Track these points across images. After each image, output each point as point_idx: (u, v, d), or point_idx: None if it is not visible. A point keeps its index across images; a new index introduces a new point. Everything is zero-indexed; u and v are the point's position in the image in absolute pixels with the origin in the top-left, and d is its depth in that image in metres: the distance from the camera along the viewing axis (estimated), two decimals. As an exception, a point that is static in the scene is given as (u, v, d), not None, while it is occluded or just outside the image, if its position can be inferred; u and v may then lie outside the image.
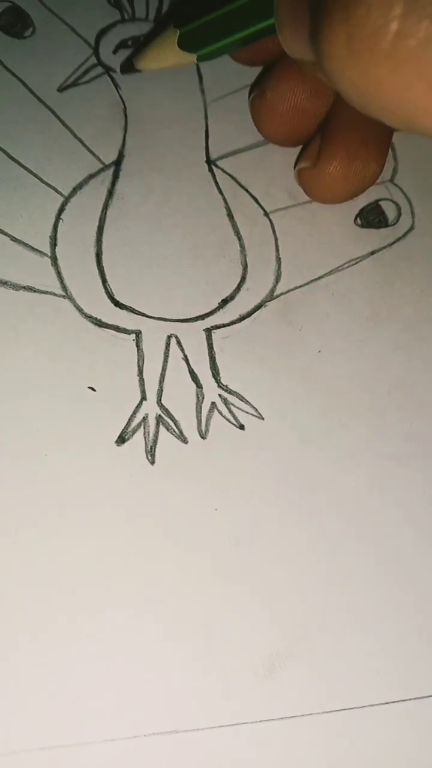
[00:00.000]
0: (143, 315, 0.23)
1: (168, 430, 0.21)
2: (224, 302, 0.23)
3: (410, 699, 0.20)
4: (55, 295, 0.22)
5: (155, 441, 0.21)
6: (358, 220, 0.25)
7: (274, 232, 0.24)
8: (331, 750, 0.20)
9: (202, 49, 0.22)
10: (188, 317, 0.23)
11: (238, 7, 0.20)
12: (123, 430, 0.21)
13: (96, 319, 0.22)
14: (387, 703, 0.20)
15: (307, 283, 0.24)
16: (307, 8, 0.16)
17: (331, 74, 0.14)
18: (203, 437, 0.22)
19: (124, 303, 0.23)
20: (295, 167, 0.24)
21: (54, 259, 0.23)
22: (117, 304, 0.23)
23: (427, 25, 0.12)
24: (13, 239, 0.22)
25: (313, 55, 0.16)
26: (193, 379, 0.22)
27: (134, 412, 0.21)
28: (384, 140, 0.23)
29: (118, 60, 0.25)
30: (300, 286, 0.24)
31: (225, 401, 0.22)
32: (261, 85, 0.24)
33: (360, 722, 0.20)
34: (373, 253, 0.25)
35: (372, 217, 0.25)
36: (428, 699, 0.20)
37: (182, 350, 0.22)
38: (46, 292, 0.22)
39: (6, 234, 0.23)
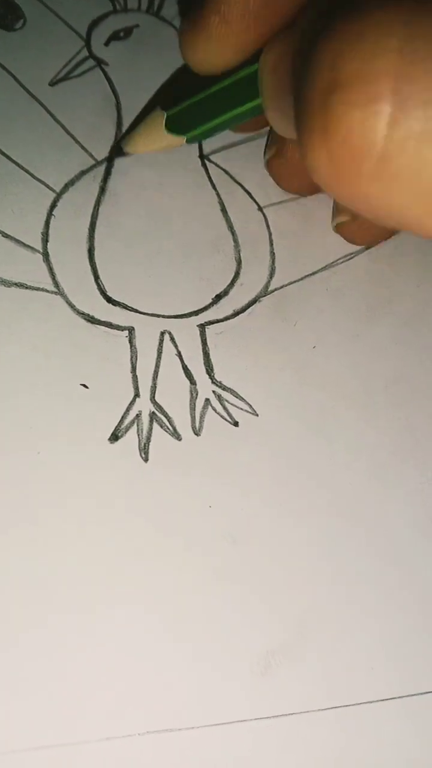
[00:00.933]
0: (136, 311, 0.22)
1: (162, 427, 0.21)
2: (218, 298, 0.23)
3: (407, 696, 0.20)
4: (47, 291, 0.22)
5: (149, 438, 0.21)
6: (353, 215, 0.25)
7: (268, 227, 0.24)
8: (328, 747, 0.20)
9: (191, 131, 0.21)
10: (182, 313, 0.23)
11: (223, 88, 0.19)
12: (116, 427, 0.21)
13: (88, 315, 0.22)
14: (383, 700, 0.20)
15: (302, 278, 0.24)
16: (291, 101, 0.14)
17: (318, 183, 0.14)
18: (197, 434, 0.21)
19: (116, 299, 0.22)
20: (332, 222, 0.24)
21: (46, 255, 0.22)
22: (110, 300, 0.22)
23: (416, 143, 0.11)
24: (5, 235, 0.22)
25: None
26: (186, 376, 0.22)
27: (127, 410, 0.21)
28: None
29: (111, 52, 0.25)
30: (294, 282, 0.24)
31: (219, 397, 0.22)
32: (275, 143, 0.23)
33: (356, 719, 0.20)
34: (368, 247, 0.24)
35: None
36: (425, 696, 0.20)
37: (176, 346, 0.22)
38: (37, 289, 0.22)
39: (-3, 230, 0.22)
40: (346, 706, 0.20)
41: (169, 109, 0.21)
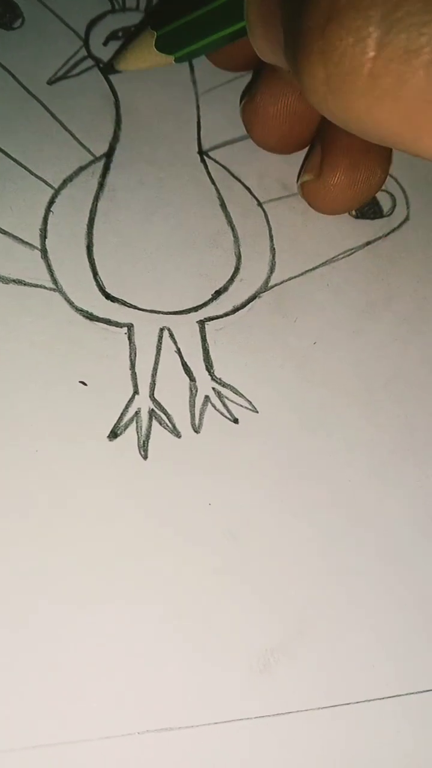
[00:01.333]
0: (135, 308, 0.22)
1: (161, 424, 0.21)
2: (218, 293, 0.23)
3: (406, 694, 0.20)
4: (46, 288, 0.22)
5: (148, 435, 0.21)
6: (353, 211, 0.25)
7: (267, 222, 0.24)
8: (327, 745, 0.19)
9: (180, 50, 0.21)
10: (181, 309, 0.23)
11: (213, 9, 0.20)
12: (115, 424, 0.21)
13: (87, 312, 0.22)
14: (382, 698, 0.20)
15: (302, 274, 0.24)
16: (281, 23, 0.16)
17: (311, 101, 0.15)
18: (197, 431, 0.21)
19: (115, 296, 0.22)
20: (297, 181, 0.24)
21: (44, 252, 0.22)
22: (108, 296, 0.22)
23: (397, 65, 0.13)
24: (3, 232, 0.22)
25: (288, 67, 0.16)
26: (186, 372, 0.22)
27: (126, 407, 0.21)
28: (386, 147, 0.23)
29: (109, 52, 0.25)
30: (295, 277, 0.24)
31: (219, 394, 0.22)
32: (250, 90, 0.23)
33: (355, 718, 0.20)
34: (368, 243, 0.24)
35: (367, 208, 0.25)
36: (424, 694, 0.20)
37: (175, 343, 0.22)
38: (36, 285, 0.22)
39: (-5, 227, 0.22)
40: (346, 704, 0.20)
41: (159, 29, 0.21)
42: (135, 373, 0.22)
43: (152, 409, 0.21)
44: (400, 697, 0.20)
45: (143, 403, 0.21)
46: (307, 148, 0.24)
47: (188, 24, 0.21)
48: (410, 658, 0.20)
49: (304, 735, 0.19)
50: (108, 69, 0.24)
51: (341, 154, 0.22)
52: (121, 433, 0.21)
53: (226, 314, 0.23)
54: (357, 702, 0.20)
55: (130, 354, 0.22)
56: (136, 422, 0.21)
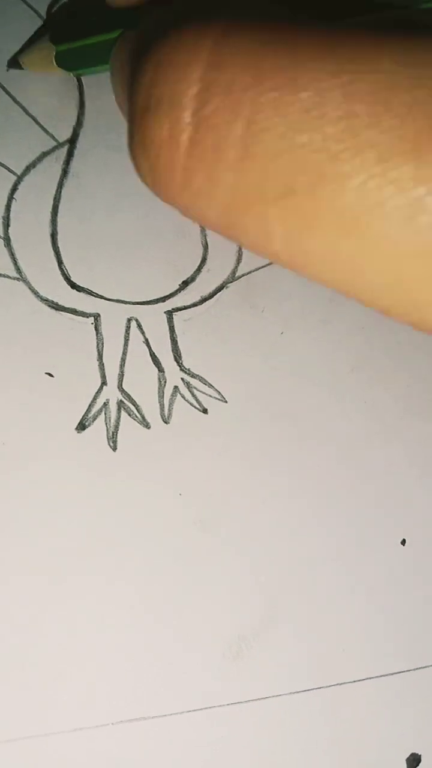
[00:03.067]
0: (102, 297, 0.22)
1: (130, 415, 0.21)
2: (185, 284, 0.23)
3: (376, 677, 0.20)
4: (9, 277, 0.21)
5: (117, 427, 0.21)
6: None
7: (234, 211, 0.24)
8: (301, 729, 0.20)
9: (77, 70, 0.21)
10: (148, 299, 0.22)
11: (110, 40, 0.19)
12: (83, 416, 0.21)
13: (52, 302, 0.22)
14: (354, 681, 0.20)
15: (269, 264, 0.24)
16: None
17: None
18: (166, 422, 0.21)
19: (81, 285, 0.22)
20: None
21: (7, 240, 0.22)
22: (74, 286, 0.22)
23: (207, 164, 0.12)
24: (-36, 220, 0.22)
25: None
26: (154, 363, 0.22)
27: (94, 398, 0.21)
28: None
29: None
30: (262, 267, 0.24)
31: (188, 385, 0.22)
32: None
33: (327, 701, 0.20)
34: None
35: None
36: (395, 676, 0.20)
37: (143, 333, 0.22)
38: (-1, 275, 0.21)
39: None
40: (318, 688, 0.20)
41: (58, 42, 0.21)
42: (102, 364, 0.21)
43: (121, 400, 0.21)
44: (372, 680, 0.20)
45: (111, 394, 0.21)
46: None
47: (86, 48, 0.20)
48: (381, 642, 0.21)
49: (278, 720, 0.20)
50: (13, 64, 0.23)
51: None
52: (89, 425, 0.21)
53: (194, 304, 0.23)
54: (328, 686, 0.20)
55: (98, 345, 0.21)
56: (105, 413, 0.21)
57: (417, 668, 0.21)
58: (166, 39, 0.13)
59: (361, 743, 0.20)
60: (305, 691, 0.20)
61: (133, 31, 0.16)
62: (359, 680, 0.20)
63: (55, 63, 0.21)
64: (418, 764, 0.20)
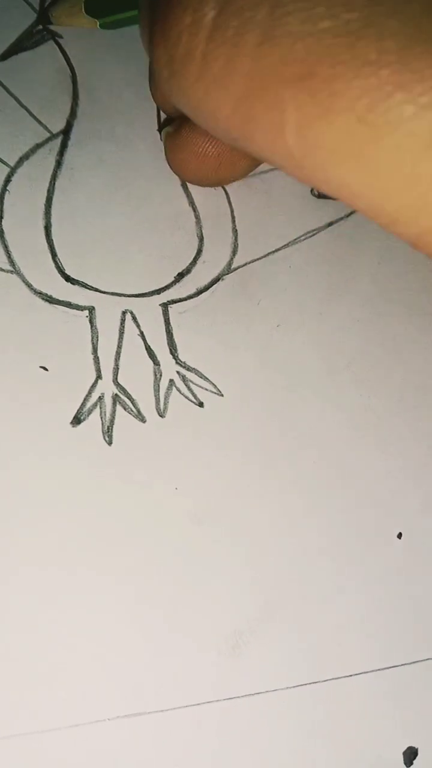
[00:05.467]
0: (96, 290, 0.22)
1: (125, 409, 0.21)
2: (180, 276, 0.23)
3: (372, 671, 0.20)
4: (3, 270, 0.21)
5: (112, 421, 0.21)
6: (314, 191, 0.25)
7: (230, 203, 0.24)
8: (297, 724, 0.20)
9: (103, 17, 0.22)
10: (143, 292, 0.22)
11: None
12: (78, 410, 0.21)
13: (47, 295, 0.21)
14: (350, 675, 0.20)
15: (265, 256, 0.23)
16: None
17: (162, 90, 0.15)
18: (162, 416, 0.21)
19: (75, 278, 0.22)
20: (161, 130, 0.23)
21: (1, 233, 0.22)
22: (68, 279, 0.22)
23: (226, 48, 0.12)
24: (-43, 212, 0.21)
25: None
26: (150, 356, 0.22)
27: (89, 392, 0.21)
28: None
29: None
30: (257, 259, 0.23)
31: (183, 378, 0.22)
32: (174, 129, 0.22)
33: (322, 696, 0.20)
34: (330, 224, 0.24)
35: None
36: (392, 670, 0.20)
37: (138, 326, 0.22)
38: (-7, 268, 0.21)
39: None
40: (315, 682, 0.20)
41: None
42: (97, 357, 0.21)
43: (116, 394, 0.21)
44: (368, 674, 0.20)
45: (107, 388, 0.21)
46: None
47: None
48: (377, 636, 0.21)
49: (275, 714, 0.19)
50: (44, 18, 0.23)
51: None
52: (84, 419, 0.21)
53: (190, 297, 0.23)
54: (325, 680, 0.20)
55: (92, 338, 0.21)
56: (100, 407, 0.21)
57: (413, 662, 0.21)
58: None
59: (358, 737, 0.20)
60: (302, 685, 0.20)
61: None
62: (356, 674, 0.20)
63: (84, 10, 0.22)
64: (414, 757, 0.20)
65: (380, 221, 0.12)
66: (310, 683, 0.20)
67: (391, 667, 0.21)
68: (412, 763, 0.20)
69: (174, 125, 0.22)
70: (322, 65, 0.11)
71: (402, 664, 0.21)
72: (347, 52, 0.11)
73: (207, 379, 0.22)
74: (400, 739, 0.20)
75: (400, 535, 0.22)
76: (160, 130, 0.24)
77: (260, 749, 0.19)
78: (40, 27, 0.24)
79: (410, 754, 0.20)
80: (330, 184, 0.12)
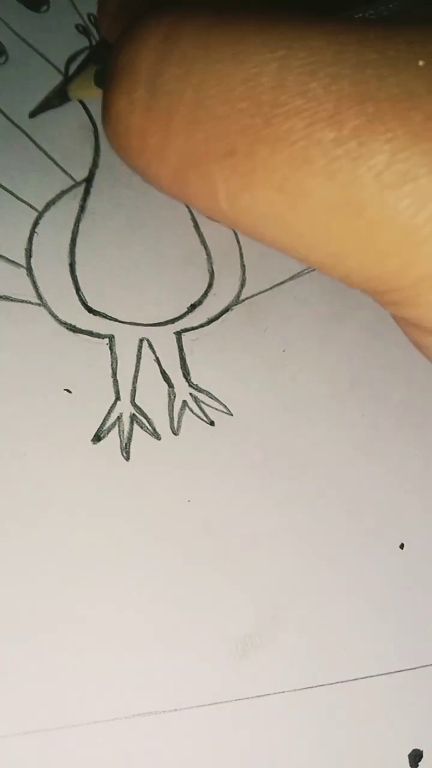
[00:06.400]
0: (116, 320, 0.24)
1: (142, 427, 0.23)
2: (193, 307, 0.25)
3: (377, 675, 0.21)
4: (32, 303, 0.23)
5: (130, 438, 0.22)
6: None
7: (238, 241, 0.26)
8: (304, 725, 0.21)
9: None
10: (159, 321, 0.24)
11: None
12: (99, 428, 0.22)
13: (71, 325, 0.23)
14: (356, 679, 0.21)
15: (271, 288, 0.25)
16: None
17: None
18: (175, 433, 0.23)
19: (97, 309, 0.24)
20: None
21: (30, 270, 0.24)
22: (90, 310, 0.24)
23: (160, 125, 0.13)
24: (-9, 252, 0.24)
25: None
26: (164, 379, 0.23)
27: (109, 412, 0.23)
28: None
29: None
30: (264, 291, 0.25)
31: (195, 399, 0.23)
32: None
33: (331, 698, 0.21)
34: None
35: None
36: (396, 674, 0.21)
37: (154, 352, 0.24)
38: (22, 301, 0.23)
39: (-17, 247, 0.24)
40: (321, 685, 0.21)
41: (99, 64, 0.23)
42: (117, 380, 0.23)
43: (133, 414, 0.23)
44: (374, 678, 0.21)
45: (125, 408, 0.23)
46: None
47: None
48: (381, 641, 0.22)
49: (282, 715, 0.20)
50: (62, 95, 0.26)
51: None
52: (104, 437, 0.22)
53: (201, 326, 0.24)
54: (332, 683, 0.21)
55: (112, 363, 0.23)
56: (119, 426, 0.22)
57: (418, 667, 0.22)
58: (132, 20, 0.14)
59: (365, 739, 0.21)
60: (309, 688, 0.21)
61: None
62: (361, 678, 0.21)
63: (94, 83, 0.23)
64: (419, 760, 0.21)
65: (311, 266, 0.14)
66: (317, 686, 0.21)
67: (396, 672, 0.21)
68: (417, 765, 0.21)
69: None
70: (242, 143, 0.12)
71: (407, 669, 0.22)
72: (263, 130, 0.12)
73: (217, 400, 0.23)
74: (406, 741, 0.21)
75: (402, 546, 0.23)
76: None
77: (268, 749, 0.20)
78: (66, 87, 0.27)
79: (415, 756, 0.21)
80: (264, 241, 0.14)
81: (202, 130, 0.13)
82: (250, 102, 0.12)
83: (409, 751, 0.21)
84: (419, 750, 0.21)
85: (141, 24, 0.14)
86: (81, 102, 0.27)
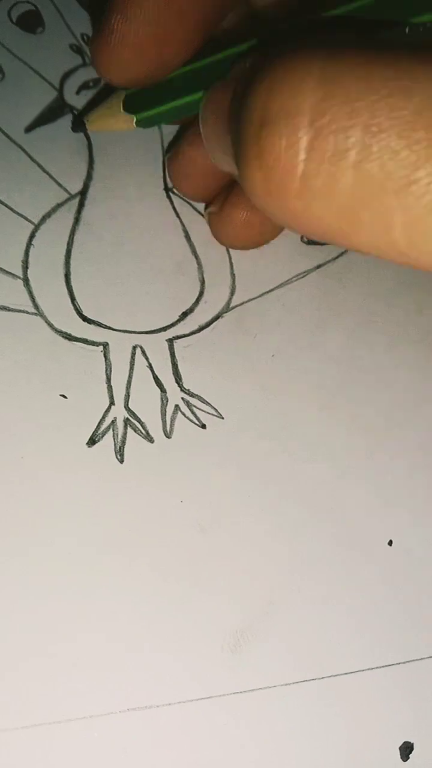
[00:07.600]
0: (109, 328, 0.25)
1: (135, 431, 0.23)
2: (184, 315, 0.25)
3: (368, 669, 0.22)
4: (28, 313, 0.24)
5: (123, 441, 0.23)
6: (304, 238, 0.27)
7: (228, 251, 0.27)
8: (296, 719, 0.21)
9: (142, 112, 0.23)
10: (151, 329, 0.25)
11: (181, 74, 0.22)
12: (93, 432, 0.23)
13: (66, 333, 0.24)
14: (348, 673, 0.22)
15: (260, 296, 0.26)
16: (228, 122, 0.17)
17: (254, 202, 0.16)
18: (168, 437, 0.23)
19: (91, 318, 0.25)
20: (205, 209, 0.26)
21: (26, 281, 0.25)
22: (85, 319, 0.25)
23: (327, 166, 0.14)
24: (-12, 263, 0.25)
25: (233, 168, 0.17)
26: (157, 385, 0.24)
27: (103, 416, 0.23)
28: None
29: (82, 100, 0.28)
30: (253, 299, 0.26)
31: (187, 403, 0.24)
32: (175, 146, 0.25)
33: (322, 692, 0.21)
34: (319, 266, 0.27)
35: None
36: (388, 668, 0.22)
37: (147, 359, 0.24)
38: (19, 311, 0.24)
39: (-19, 259, 0.25)
40: (313, 679, 0.22)
41: (132, 111, 0.23)
42: (111, 386, 0.24)
43: (127, 418, 0.23)
44: (365, 672, 0.22)
45: (119, 412, 0.23)
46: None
47: (156, 86, 0.23)
48: (372, 636, 0.22)
49: (275, 709, 0.21)
50: (79, 125, 0.26)
51: (243, 194, 0.23)
52: (99, 440, 0.23)
53: (193, 333, 0.25)
54: (323, 677, 0.22)
55: (106, 369, 0.24)
56: (113, 430, 0.23)
57: (408, 661, 0.22)
58: (274, 65, 0.14)
59: (356, 732, 0.21)
60: (301, 682, 0.21)
61: (219, 86, 0.18)
62: (353, 672, 0.22)
63: (122, 108, 0.23)
64: (410, 752, 0.21)
65: None
66: (308, 680, 0.22)
67: (386, 666, 0.22)
68: (408, 757, 0.21)
69: (216, 205, 0.25)
70: (423, 170, 0.12)
71: (397, 663, 0.22)
72: None
73: (209, 404, 0.24)
74: (397, 734, 0.22)
75: (390, 542, 0.23)
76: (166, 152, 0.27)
77: (259, 743, 0.21)
78: (60, 103, 0.28)
79: (406, 749, 0.21)
80: None
81: (377, 164, 0.13)
82: (429, 133, 0.12)
83: (400, 744, 0.21)
84: (410, 742, 0.21)
85: (290, 66, 0.14)
86: (74, 115, 0.27)
